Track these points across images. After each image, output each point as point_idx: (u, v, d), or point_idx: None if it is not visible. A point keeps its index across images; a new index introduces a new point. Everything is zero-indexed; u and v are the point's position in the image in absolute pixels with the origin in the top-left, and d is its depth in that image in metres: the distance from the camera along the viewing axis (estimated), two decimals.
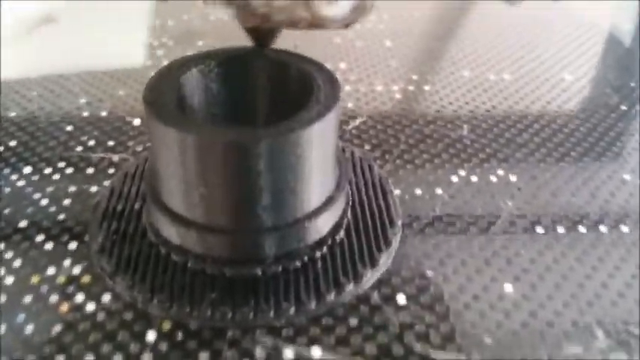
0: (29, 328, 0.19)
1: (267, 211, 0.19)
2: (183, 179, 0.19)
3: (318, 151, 0.19)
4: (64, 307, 0.20)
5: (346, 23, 0.19)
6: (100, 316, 0.19)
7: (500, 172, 0.26)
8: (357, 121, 0.29)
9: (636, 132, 0.28)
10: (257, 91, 0.22)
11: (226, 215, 0.19)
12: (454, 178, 0.25)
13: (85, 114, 0.29)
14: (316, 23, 0.18)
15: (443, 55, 0.35)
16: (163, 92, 0.19)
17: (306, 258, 0.20)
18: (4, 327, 0.19)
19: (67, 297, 0.20)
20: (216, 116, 0.21)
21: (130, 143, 0.27)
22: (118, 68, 0.24)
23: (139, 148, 0.26)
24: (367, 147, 0.27)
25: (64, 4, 0.13)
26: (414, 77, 0.32)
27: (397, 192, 0.24)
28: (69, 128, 0.28)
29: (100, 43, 0.23)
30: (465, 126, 0.28)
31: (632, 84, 0.32)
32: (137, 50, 0.14)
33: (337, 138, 0.20)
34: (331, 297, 0.20)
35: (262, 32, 0.21)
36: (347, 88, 0.31)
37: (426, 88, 0.32)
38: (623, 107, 0.31)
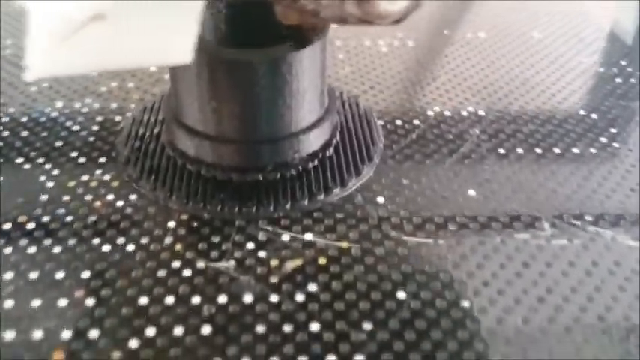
0: (69, 218, 0.23)
1: (267, 124, 0.23)
2: (199, 95, 0.23)
3: (308, 73, 0.23)
4: (98, 203, 0.23)
5: (394, 20, 0.18)
6: (129, 210, 0.23)
7: (471, 108, 0.30)
8: (347, 69, 0.33)
9: (636, 127, 0.30)
10: (258, 30, 0.26)
11: (233, 127, 0.23)
12: (430, 112, 0.29)
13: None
14: (366, 20, 0.18)
15: (426, 16, 0.39)
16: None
17: (300, 168, 0.24)
18: (47, 217, 0.23)
19: (100, 196, 0.24)
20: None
21: (147, 86, 0.31)
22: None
23: (155, 89, 0.30)
24: (355, 90, 0.31)
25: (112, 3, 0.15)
26: (400, 34, 0.36)
27: (380, 122, 0.28)
28: (94, 73, 0.32)
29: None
30: (442, 74, 0.32)
31: (633, 80, 0.34)
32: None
33: (325, 66, 0.24)
34: (321, 197, 0.24)
35: (304, 29, 0.22)
36: (338, 43, 0.35)
37: (410, 43, 0.36)
38: (623, 103, 0.32)
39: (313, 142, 0.24)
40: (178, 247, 0.21)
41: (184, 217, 0.23)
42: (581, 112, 0.29)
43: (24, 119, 0.27)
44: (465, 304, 0.20)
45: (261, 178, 0.24)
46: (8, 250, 0.21)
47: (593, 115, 0.29)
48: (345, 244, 0.22)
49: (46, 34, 0.16)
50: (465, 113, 0.29)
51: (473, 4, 0.40)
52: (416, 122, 0.28)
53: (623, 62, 0.35)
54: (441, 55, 0.34)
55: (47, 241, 0.21)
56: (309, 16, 0.18)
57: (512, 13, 0.39)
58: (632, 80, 0.33)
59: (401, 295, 0.20)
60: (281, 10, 0.19)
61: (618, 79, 0.33)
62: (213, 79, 0.22)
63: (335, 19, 0.18)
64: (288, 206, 0.23)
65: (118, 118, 0.28)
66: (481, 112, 0.29)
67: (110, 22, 0.16)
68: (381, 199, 0.24)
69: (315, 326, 0.19)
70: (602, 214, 0.23)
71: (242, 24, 0.25)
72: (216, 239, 0.22)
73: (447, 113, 0.29)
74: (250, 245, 0.22)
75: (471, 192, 0.24)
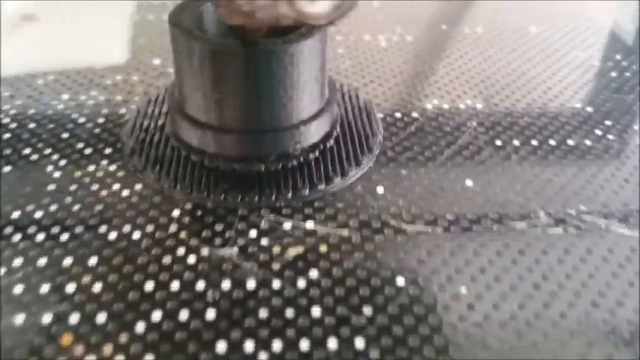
0: (76, 207, 0.23)
1: (269, 115, 0.24)
2: (202, 85, 0.23)
3: (309, 64, 0.23)
4: (104, 193, 0.24)
5: (330, 20, 0.20)
6: (134, 199, 0.24)
7: (468, 101, 0.30)
8: (347, 63, 0.33)
9: (636, 126, 0.31)
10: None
11: (236, 117, 0.24)
12: (428, 105, 0.30)
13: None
14: (300, 20, 0.19)
15: (424, 12, 0.40)
16: (185, 18, 0.24)
17: (301, 158, 0.25)
18: (54, 206, 0.23)
19: (106, 186, 0.24)
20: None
21: (151, 79, 0.31)
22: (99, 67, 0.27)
23: (159, 82, 0.31)
24: (356, 83, 0.31)
25: (44, 3, 0.15)
26: (399, 30, 0.37)
27: (380, 115, 0.29)
28: (99, 67, 0.32)
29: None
30: (440, 68, 0.33)
31: (634, 80, 0.34)
32: (120, 49, 0.16)
33: (325, 58, 0.25)
34: (322, 187, 0.24)
35: (248, 30, 0.22)
36: (338, 37, 0.36)
37: (409, 38, 0.36)
38: (623, 102, 0.33)
39: (314, 133, 0.25)
40: (183, 234, 0.22)
41: (188, 205, 0.23)
42: (577, 105, 0.30)
43: (31, 111, 0.28)
44: (462, 290, 0.20)
45: (263, 168, 0.24)
46: (17, 237, 0.21)
47: (589, 108, 0.30)
48: (345, 232, 0.22)
49: None
50: (462, 106, 0.30)
51: (472, 3, 0.41)
52: (414, 115, 0.29)
53: (618, 57, 0.35)
54: (439, 50, 0.34)
55: (55, 229, 0.22)
56: (246, 17, 0.19)
57: (510, 9, 0.39)
58: (628, 74, 0.34)
59: (400, 281, 0.20)
60: (221, 12, 0.20)
61: (614, 74, 0.34)
62: (216, 71, 0.22)
63: (270, 20, 0.19)
64: (289, 195, 0.24)
65: (123, 111, 0.28)
66: (478, 105, 0.30)
67: (41, 23, 0.15)
68: (380, 189, 0.24)
69: (316, 311, 0.19)
70: (598, 205, 0.24)
71: None
72: (219, 227, 0.22)
73: (445, 106, 0.30)
74: (253, 233, 0.22)
75: (468, 182, 0.25)
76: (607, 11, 0.42)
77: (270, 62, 0.22)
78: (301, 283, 0.20)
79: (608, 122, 0.29)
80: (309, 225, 0.23)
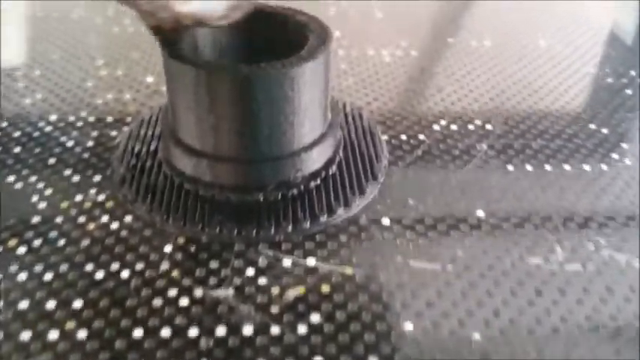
0: (61, 242, 0.22)
1: (268, 142, 0.22)
2: (196, 111, 0.22)
3: (311, 88, 0.22)
4: (92, 226, 0.22)
5: (230, 20, 0.19)
6: (123, 233, 0.22)
7: (477, 121, 0.29)
8: (350, 80, 0.32)
9: (636, 126, 0.30)
10: (261, 42, 0.25)
11: (232, 145, 0.22)
12: (436, 127, 0.28)
13: (103, 73, 0.32)
14: (197, 20, 0.19)
15: (430, 25, 0.38)
16: (179, 39, 0.22)
17: (302, 187, 0.23)
18: (39, 241, 0.22)
19: (94, 218, 0.23)
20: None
21: (144, 99, 0.30)
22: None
23: (152, 102, 0.29)
24: (359, 102, 0.30)
25: None
26: (403, 43, 0.35)
27: (385, 137, 0.27)
28: (89, 84, 0.31)
29: None
30: (447, 85, 0.31)
31: (634, 79, 0.34)
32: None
33: (328, 81, 0.23)
34: (324, 218, 0.23)
35: (164, 30, 0.21)
36: (341, 52, 0.34)
37: (414, 53, 0.35)
38: (622, 102, 0.32)
39: (316, 159, 0.23)
40: (175, 273, 0.20)
41: (181, 240, 0.22)
42: (592, 126, 0.28)
43: (16, 134, 0.26)
44: (476, 336, 0.19)
45: (261, 198, 0.23)
46: None
47: (604, 130, 0.28)
48: (349, 270, 0.21)
49: None
50: (471, 127, 0.28)
51: (477, 11, 0.39)
52: (421, 137, 0.28)
53: (632, 72, 0.34)
54: (446, 65, 0.33)
55: (38, 268, 0.20)
56: (151, 18, 0.19)
57: (516, 17, 0.38)
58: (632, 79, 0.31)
59: (407, 326, 0.19)
60: (137, 14, 0.19)
61: (629, 91, 0.33)
62: (212, 95, 0.21)
63: (170, 20, 0.18)
64: (289, 228, 0.22)
65: (114, 133, 0.27)
66: (488, 126, 0.28)
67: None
68: (386, 221, 0.23)
69: None
70: (616, 238, 0.22)
71: (242, 37, 0.24)
72: (214, 265, 0.21)
73: (453, 127, 0.28)
74: (250, 271, 0.21)
75: (480, 213, 0.23)
76: (607, 12, 0.41)
77: (269, 88, 0.20)
78: (302, 329, 0.19)
79: (624, 145, 0.27)
80: (310, 262, 0.21)
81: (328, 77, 0.23)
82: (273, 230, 0.22)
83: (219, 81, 0.20)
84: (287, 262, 0.21)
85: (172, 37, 0.21)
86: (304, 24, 0.23)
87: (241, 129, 0.22)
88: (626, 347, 0.19)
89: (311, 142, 0.23)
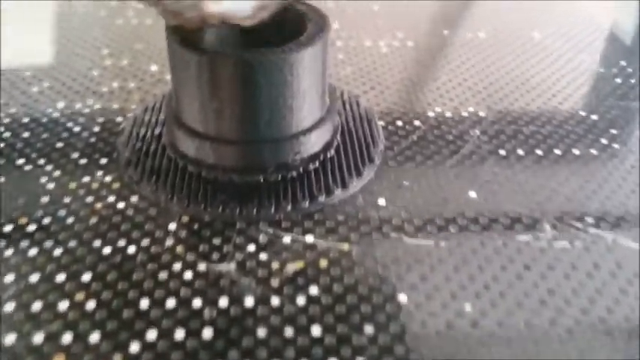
0: (69, 220, 0.23)
1: (268, 125, 0.23)
2: (199, 95, 0.23)
3: (310, 73, 0.23)
4: (99, 205, 0.23)
5: (258, 20, 0.20)
6: (129, 212, 0.23)
7: (471, 108, 0.30)
8: (347, 69, 0.33)
9: (636, 127, 0.30)
10: (261, 30, 0.26)
11: (234, 128, 0.23)
12: (431, 114, 0.29)
13: (108, 62, 0.33)
14: (225, 20, 0.19)
15: (425, 17, 0.39)
16: (182, 30, 0.23)
17: (301, 169, 0.24)
18: (48, 219, 0.23)
19: (101, 198, 0.24)
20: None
21: (148, 87, 0.31)
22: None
23: (156, 90, 0.30)
24: (356, 90, 0.31)
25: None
26: (400, 35, 0.36)
27: (381, 123, 0.28)
28: (95, 73, 0.32)
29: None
30: (442, 75, 0.32)
31: (633, 80, 0.34)
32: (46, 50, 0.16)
33: (326, 67, 0.24)
34: (322, 199, 0.24)
35: (189, 31, 0.22)
36: (339, 43, 0.35)
37: (410, 44, 0.36)
38: (622, 102, 0.32)
39: (314, 143, 0.24)
40: (179, 249, 0.21)
41: (185, 219, 0.23)
42: (581, 113, 0.29)
43: (25, 120, 0.27)
44: (467, 307, 0.20)
45: (262, 180, 0.24)
46: (9, 252, 0.21)
47: (594, 116, 0.29)
48: (346, 246, 0.22)
49: None
50: (465, 114, 0.29)
51: (472, 4, 0.40)
52: (416, 123, 0.28)
53: (622, 62, 0.35)
54: (441, 56, 0.34)
55: (48, 244, 0.21)
56: (177, 18, 0.19)
57: (512, 12, 0.39)
58: (632, 81, 0.33)
59: (402, 298, 0.20)
60: (160, 12, 0.19)
61: (618, 79, 0.33)
62: (214, 80, 0.22)
63: (198, 20, 0.18)
64: (289, 208, 0.23)
65: (119, 119, 0.28)
66: (481, 113, 0.29)
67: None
68: (382, 201, 0.24)
69: (316, 330, 0.19)
70: (603, 215, 0.23)
71: (245, 30, 0.25)
72: (217, 241, 0.22)
73: (448, 114, 0.29)
74: (251, 247, 0.22)
75: (472, 193, 0.24)
76: (607, 12, 0.41)
77: (270, 72, 0.21)
78: (301, 300, 0.20)
79: (613, 131, 0.28)
80: (309, 239, 0.22)
81: (326, 63, 0.24)
82: (273, 209, 0.23)
83: (222, 66, 0.21)
84: (287, 239, 0.22)
85: (196, 35, 0.22)
86: (303, 12, 0.24)
87: (243, 112, 0.22)
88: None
89: (310, 126, 0.24)
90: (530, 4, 0.41)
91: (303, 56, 0.22)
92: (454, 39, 0.36)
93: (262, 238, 0.22)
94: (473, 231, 0.23)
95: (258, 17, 0.20)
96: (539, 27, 0.38)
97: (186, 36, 0.22)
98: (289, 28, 0.24)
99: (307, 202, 0.23)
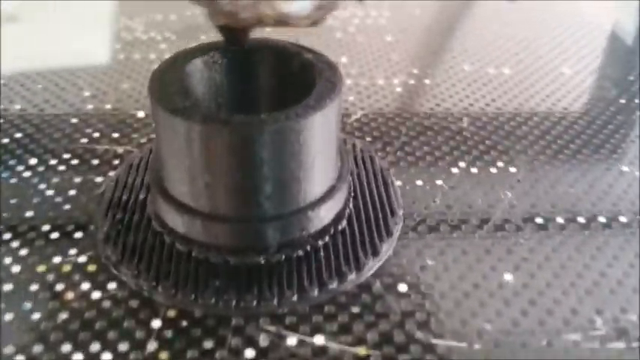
0: (35, 316, 0.19)
1: (271, 200, 0.19)
2: (189, 167, 0.19)
3: (319, 140, 0.19)
4: (71, 295, 0.20)
5: (312, 21, 0.18)
6: (106, 304, 0.20)
7: (500, 164, 0.26)
8: (359, 114, 0.29)
9: (636, 126, 0.29)
10: (260, 80, 0.22)
11: (230, 204, 0.20)
12: (454, 170, 0.26)
13: (90, 107, 0.29)
14: (281, 20, 0.18)
15: (443, 50, 0.35)
16: (168, 82, 0.19)
17: (308, 247, 0.21)
18: (10, 315, 0.19)
19: (73, 285, 0.20)
20: (220, 106, 0.22)
21: (135, 135, 0.27)
22: (82, 66, 0.23)
23: (143, 140, 0.26)
24: (369, 139, 0.27)
25: (27, 4, 0.13)
26: (415, 71, 0.33)
27: (398, 183, 0.25)
28: (74, 120, 0.28)
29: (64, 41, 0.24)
30: (465, 118, 0.29)
31: (632, 78, 0.33)
32: (99, 50, 0.15)
33: (339, 129, 0.20)
34: (333, 285, 0.20)
35: (234, 31, 0.20)
36: (348, 81, 0.32)
37: (427, 81, 0.32)
38: (623, 101, 0.31)
39: (324, 215, 0.21)
40: (164, 356, 0.18)
41: (172, 313, 0.19)
42: (625, 169, 0.26)
43: None
44: None
45: (262, 262, 0.20)
46: None
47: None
48: (362, 351, 0.18)
49: None
50: (493, 170, 0.25)
51: (494, 37, 0.37)
52: (439, 182, 0.25)
53: (623, 62, 0.34)
54: (462, 97, 0.30)
55: (8, 350, 0.18)
56: (229, 18, 0.18)
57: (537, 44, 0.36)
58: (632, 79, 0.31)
59: None
60: (209, 13, 0.18)
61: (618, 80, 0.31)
62: (207, 150, 0.18)
63: (253, 20, 0.18)
64: (294, 298, 0.19)
65: (99, 179, 0.24)
66: (512, 169, 0.25)
67: (23, 23, 0.14)
68: (403, 287, 0.20)
69: None
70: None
71: (243, 80, 0.21)
72: (208, 345, 0.18)
73: (474, 170, 0.25)
74: (250, 353, 0.18)
75: (507, 276, 0.21)
76: (607, 12, 0.40)
77: (273, 143, 0.18)
78: None
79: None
80: (319, 340, 0.18)
81: (339, 126, 0.20)
82: (275, 300, 0.20)
83: (215, 136, 0.18)
84: (292, 340, 0.19)
85: (241, 37, 0.21)
86: (311, 63, 0.20)
87: (240, 187, 0.19)
88: None
89: (319, 197, 0.20)
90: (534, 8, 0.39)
91: (313, 122, 0.18)
92: (476, 76, 0.32)
93: (263, 340, 0.19)
94: (511, 328, 0.19)
95: (316, 17, 0.18)
96: (568, 62, 0.34)
97: (172, 99, 0.18)
98: (295, 81, 0.21)
99: (316, 290, 0.20)
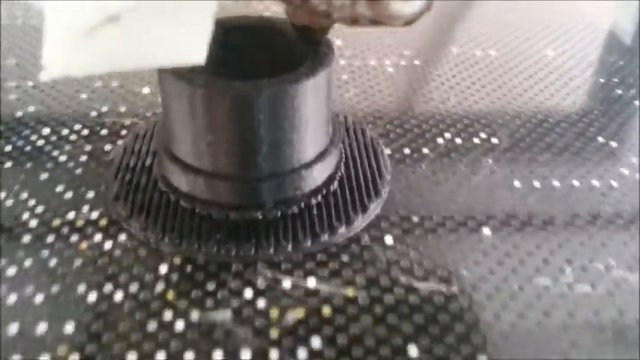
0: (52, 262, 0.21)
1: (267, 160, 0.21)
2: (193, 129, 0.21)
3: (312, 105, 0.21)
4: (84, 245, 0.22)
5: (406, 21, 0.18)
6: (117, 252, 0.21)
7: (483, 135, 0.28)
8: (352, 92, 0.31)
9: (636, 127, 0.30)
10: (260, 55, 0.24)
11: (230, 163, 0.21)
12: (440, 140, 0.28)
13: (98, 84, 0.31)
14: (376, 21, 0.18)
15: (433, 33, 0.37)
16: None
17: (302, 205, 0.23)
18: (29, 261, 0.21)
19: (86, 237, 0.22)
20: (221, 74, 0.24)
21: (140, 109, 0.29)
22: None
23: (148, 114, 0.28)
24: (361, 114, 0.29)
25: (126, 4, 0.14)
26: (406, 52, 0.35)
27: (387, 152, 0.27)
28: (83, 96, 0.30)
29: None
30: (452, 96, 0.31)
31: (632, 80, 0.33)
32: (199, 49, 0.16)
33: (330, 97, 0.22)
34: (325, 237, 0.22)
35: (313, 30, 0.21)
36: (342, 62, 0.33)
37: (417, 62, 0.34)
38: (622, 102, 0.32)
39: (317, 176, 0.23)
40: (170, 295, 0.20)
41: (177, 260, 0.21)
42: (613, 145, 0.27)
43: (7, 148, 0.26)
44: (482, 359, 0.18)
45: (260, 217, 0.22)
46: None
47: (613, 144, 0.28)
48: (350, 292, 0.20)
49: (62, 35, 0.16)
50: (476, 140, 0.27)
51: (481, 19, 0.38)
52: (425, 150, 0.27)
53: (621, 62, 0.34)
54: (450, 76, 0.32)
55: (28, 289, 0.19)
56: (320, 18, 0.18)
57: (523, 28, 0.37)
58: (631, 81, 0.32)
59: (413, 351, 0.18)
60: (291, 10, 0.19)
61: (617, 79, 0.32)
62: (209, 113, 0.20)
63: (346, 21, 0.17)
64: (289, 247, 0.21)
65: (108, 147, 0.26)
66: (494, 140, 0.27)
67: (124, 23, 0.16)
68: (389, 239, 0.22)
69: None
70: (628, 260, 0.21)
71: (240, 48, 0.23)
72: (211, 286, 0.20)
73: (458, 141, 0.27)
74: (249, 293, 0.20)
75: (486, 231, 0.22)
76: (606, 12, 0.41)
77: (269, 105, 0.20)
78: (302, 355, 0.18)
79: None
80: (311, 283, 0.20)
81: (330, 93, 0.22)
82: (272, 249, 0.21)
83: (217, 98, 0.20)
84: (286, 283, 0.20)
85: (318, 37, 0.21)
86: None
87: (239, 147, 0.21)
88: None
89: (311, 159, 0.22)
90: (532, 7, 0.40)
91: (306, 87, 0.20)
92: (464, 57, 0.34)
93: (260, 282, 0.20)
94: (489, 272, 0.21)
95: (409, 18, 0.18)
96: (552, 44, 0.36)
97: (179, 68, 0.20)
98: (290, 53, 0.22)
99: (309, 241, 0.22)
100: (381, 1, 0.16)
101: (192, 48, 0.16)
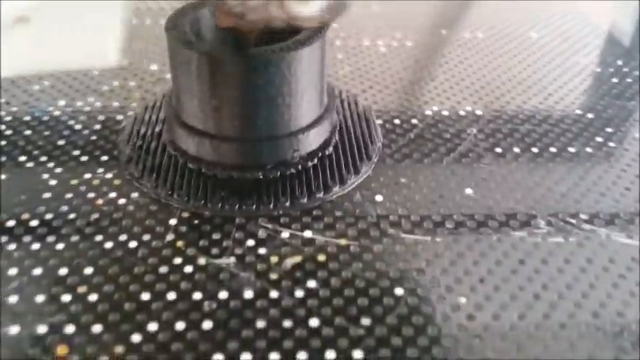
0: (71, 216, 0.23)
1: (266, 123, 0.23)
2: (199, 94, 0.23)
3: (307, 72, 0.23)
4: (100, 201, 0.24)
5: (321, 22, 0.20)
6: (130, 207, 0.24)
7: (468, 107, 0.30)
8: (346, 69, 0.33)
9: (636, 128, 0.30)
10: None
11: (233, 125, 0.23)
12: (428, 112, 0.30)
13: (109, 62, 0.33)
14: (291, 22, 0.19)
15: (424, 17, 0.39)
16: (182, 25, 0.23)
17: (300, 166, 0.25)
18: (50, 215, 0.23)
19: (102, 194, 0.24)
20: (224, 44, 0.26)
21: (149, 85, 0.31)
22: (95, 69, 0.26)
23: (157, 89, 0.31)
24: (354, 91, 0.31)
25: (37, 4, 0.15)
26: (398, 35, 0.37)
27: (379, 121, 0.29)
28: (95, 73, 0.32)
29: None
30: (440, 73, 0.33)
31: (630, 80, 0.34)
32: (111, 51, 0.16)
33: (324, 66, 0.24)
34: (320, 195, 0.24)
35: (241, 33, 0.22)
36: (337, 42, 0.35)
37: (409, 43, 0.36)
38: (622, 102, 0.33)
39: (313, 140, 0.25)
40: (179, 243, 0.22)
41: (185, 214, 0.23)
42: (578, 112, 0.30)
43: (27, 118, 0.28)
44: (462, 300, 0.20)
45: (261, 176, 0.24)
46: (12, 246, 0.21)
47: (590, 115, 0.30)
48: (343, 242, 0.22)
49: None
50: (462, 112, 0.29)
51: (471, 4, 0.41)
52: (414, 121, 0.29)
53: (619, 62, 0.35)
54: (439, 55, 0.34)
55: (50, 238, 0.22)
56: (238, 19, 0.19)
57: (510, 12, 0.39)
58: (629, 80, 0.33)
59: (398, 291, 0.20)
60: (217, 15, 0.20)
61: (615, 79, 0.33)
62: (213, 79, 0.22)
63: (261, 22, 0.19)
64: (287, 204, 0.23)
65: (119, 117, 0.28)
66: (478, 112, 0.29)
67: (35, 25, 0.15)
68: (379, 197, 0.24)
69: (314, 322, 0.19)
70: (597, 213, 0.24)
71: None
72: (216, 236, 0.22)
73: (445, 112, 0.29)
74: (250, 242, 0.22)
75: (468, 190, 0.25)
76: (605, 12, 0.41)
77: (268, 70, 0.22)
78: (299, 293, 0.20)
79: (609, 129, 0.29)
80: (308, 234, 0.22)
81: (324, 62, 0.24)
82: (272, 205, 0.23)
83: (221, 65, 0.22)
84: (285, 234, 0.22)
85: (247, 39, 0.22)
86: None
87: (241, 110, 0.23)
88: None
89: (308, 124, 0.24)
90: (528, 4, 0.41)
91: (302, 55, 0.22)
92: (452, 39, 0.36)
93: (261, 234, 0.22)
94: (468, 227, 0.23)
95: (323, 19, 0.20)
96: (537, 27, 0.38)
97: (184, 36, 0.22)
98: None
99: (305, 199, 0.24)
100: (283, 2, 0.18)
101: (107, 50, 0.17)
